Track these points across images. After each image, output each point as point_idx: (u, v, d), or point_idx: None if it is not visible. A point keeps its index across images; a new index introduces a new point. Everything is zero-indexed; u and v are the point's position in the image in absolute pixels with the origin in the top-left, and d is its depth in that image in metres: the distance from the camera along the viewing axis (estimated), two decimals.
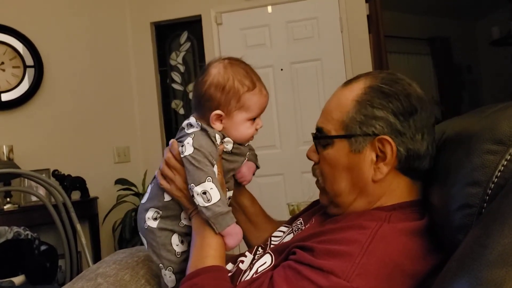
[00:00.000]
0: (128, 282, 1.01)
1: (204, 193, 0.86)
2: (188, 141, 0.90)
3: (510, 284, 0.46)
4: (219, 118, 0.94)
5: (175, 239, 0.96)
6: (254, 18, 3.44)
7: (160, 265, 0.96)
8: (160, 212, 0.96)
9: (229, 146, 0.96)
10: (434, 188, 0.81)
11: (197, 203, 0.87)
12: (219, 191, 0.87)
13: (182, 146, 0.91)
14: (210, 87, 0.93)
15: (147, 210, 0.97)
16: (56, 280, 2.53)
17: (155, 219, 0.96)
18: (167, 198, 0.96)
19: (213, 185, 0.87)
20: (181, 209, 0.95)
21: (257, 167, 1.08)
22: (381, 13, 3.34)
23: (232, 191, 1.03)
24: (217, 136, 0.92)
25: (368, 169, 0.81)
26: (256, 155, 1.08)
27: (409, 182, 0.84)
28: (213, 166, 0.89)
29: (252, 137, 0.99)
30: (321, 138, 0.87)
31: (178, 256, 0.95)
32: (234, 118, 0.94)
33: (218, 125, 0.94)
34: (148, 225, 0.96)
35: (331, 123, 0.85)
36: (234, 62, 0.97)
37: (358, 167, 0.82)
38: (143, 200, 1.00)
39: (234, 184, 1.06)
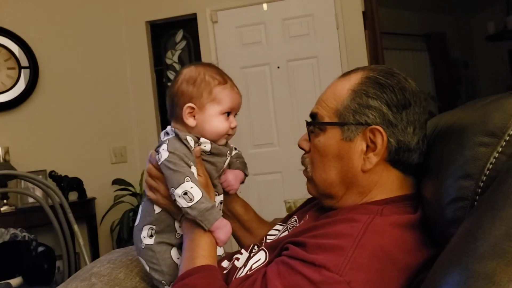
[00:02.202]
0: (122, 280, 1.01)
1: (185, 193, 0.86)
2: (163, 147, 0.91)
3: (501, 275, 0.46)
4: (192, 113, 0.95)
5: (174, 252, 0.95)
6: (250, 16, 3.43)
7: (163, 281, 0.94)
8: (154, 227, 0.95)
9: (207, 147, 0.96)
10: (426, 181, 0.81)
11: (181, 206, 0.87)
12: (200, 189, 0.87)
13: (158, 154, 0.92)
14: (182, 83, 0.96)
15: (141, 230, 0.97)
16: (54, 282, 2.53)
17: (151, 236, 0.95)
18: (157, 210, 0.96)
19: (192, 184, 0.86)
20: (174, 219, 0.95)
21: (246, 175, 1.08)
22: (377, 10, 3.34)
23: (222, 195, 1.03)
24: (189, 138, 0.92)
25: (357, 158, 0.82)
26: (245, 163, 1.09)
27: (400, 175, 0.84)
28: (190, 167, 0.89)
29: (227, 135, 0.99)
30: (314, 124, 0.87)
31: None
32: (207, 111, 0.95)
33: (191, 121, 0.95)
34: (145, 244, 0.95)
35: (326, 110, 0.86)
36: (206, 63, 1.01)
37: (348, 156, 0.82)
38: (136, 222, 1.00)
39: (226, 194, 1.05)
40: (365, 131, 0.81)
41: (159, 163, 0.91)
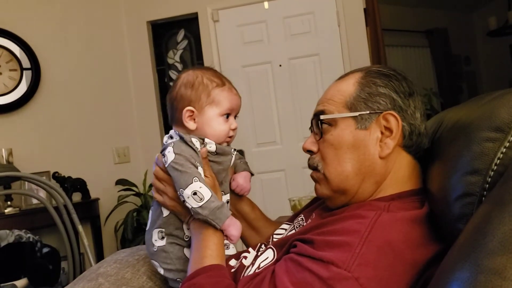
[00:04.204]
0: (129, 280, 1.01)
1: (195, 193, 0.86)
2: (169, 149, 0.92)
3: (511, 271, 0.46)
4: (192, 116, 0.96)
5: (187, 251, 0.95)
6: (251, 15, 3.43)
7: (178, 279, 0.95)
8: (164, 230, 0.96)
9: (212, 147, 0.96)
10: (433, 177, 0.80)
11: (190, 206, 0.87)
12: (208, 188, 0.87)
13: (165, 156, 0.92)
14: (181, 87, 0.98)
15: (151, 234, 0.98)
16: (59, 282, 2.53)
17: (162, 238, 0.96)
18: (165, 213, 0.96)
19: (201, 184, 0.87)
20: (182, 221, 0.96)
21: (252, 174, 1.10)
22: (378, 6, 3.33)
23: (228, 195, 1.03)
24: (194, 140, 0.93)
25: (374, 146, 0.83)
26: (247, 163, 1.10)
27: (411, 161, 0.85)
28: (196, 168, 0.89)
29: (228, 137, 1.00)
30: (325, 118, 0.86)
31: None
32: (206, 114, 0.96)
33: (191, 124, 0.96)
34: (158, 246, 0.96)
35: (333, 105, 0.86)
36: (204, 67, 1.02)
37: (364, 145, 0.83)
38: (147, 227, 1.01)
39: (236, 195, 1.07)
40: (379, 118, 0.82)
41: (166, 165, 0.91)
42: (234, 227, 0.88)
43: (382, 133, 0.82)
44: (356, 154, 0.83)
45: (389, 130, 0.82)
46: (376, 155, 0.82)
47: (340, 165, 0.85)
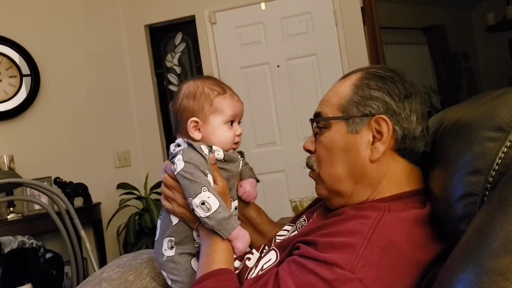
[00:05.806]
0: (132, 282, 1.02)
1: (203, 203, 0.86)
2: (178, 157, 0.92)
3: None
4: (196, 126, 0.97)
5: (194, 262, 0.96)
6: (248, 16, 3.43)
7: None
8: (173, 238, 0.96)
9: (220, 155, 0.97)
10: (435, 178, 0.80)
11: (199, 216, 0.87)
12: (217, 198, 0.88)
13: (174, 164, 0.93)
14: (183, 99, 0.99)
15: (161, 243, 0.98)
16: (63, 287, 2.53)
17: (171, 248, 0.96)
18: (174, 221, 0.96)
19: (210, 194, 0.87)
20: (191, 228, 0.96)
21: (257, 181, 1.11)
22: (375, 5, 3.33)
23: (236, 201, 1.04)
24: (203, 147, 0.94)
25: (365, 149, 0.83)
26: (252, 169, 1.11)
27: (407, 165, 0.85)
28: (206, 175, 0.90)
29: (234, 143, 1.01)
30: (318, 121, 0.88)
31: None
32: (210, 123, 0.97)
33: (196, 134, 0.97)
34: (167, 256, 0.96)
35: (329, 108, 0.87)
36: (204, 76, 1.03)
37: (355, 148, 0.83)
38: (156, 237, 1.01)
39: (242, 202, 1.08)
40: (370, 122, 0.82)
41: (175, 173, 0.92)
42: (240, 240, 0.88)
43: (374, 136, 0.82)
44: (347, 157, 0.84)
45: (381, 134, 0.82)
46: (367, 159, 0.83)
47: (333, 167, 0.86)
